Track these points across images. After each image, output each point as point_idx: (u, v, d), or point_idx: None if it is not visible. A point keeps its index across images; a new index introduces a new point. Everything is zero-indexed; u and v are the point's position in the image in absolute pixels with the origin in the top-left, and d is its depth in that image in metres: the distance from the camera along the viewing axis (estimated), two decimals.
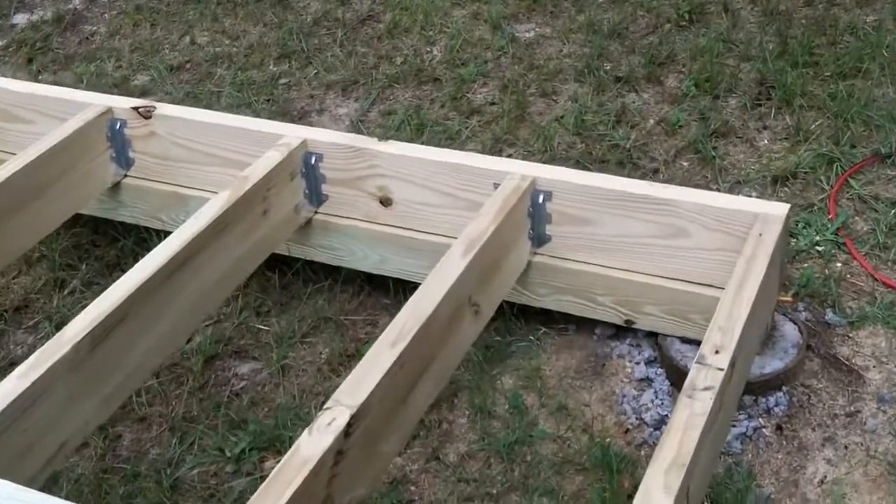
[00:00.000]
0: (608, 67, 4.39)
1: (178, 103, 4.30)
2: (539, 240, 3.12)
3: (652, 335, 3.14)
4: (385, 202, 3.29)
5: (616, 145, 3.98)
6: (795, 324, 3.10)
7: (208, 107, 4.38)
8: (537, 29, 4.74)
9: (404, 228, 3.31)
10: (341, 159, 3.28)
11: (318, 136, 3.30)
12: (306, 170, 3.32)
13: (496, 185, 3.06)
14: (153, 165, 3.58)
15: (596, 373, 3.15)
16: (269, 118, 4.03)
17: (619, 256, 3.05)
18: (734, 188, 3.73)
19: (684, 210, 2.90)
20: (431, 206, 3.22)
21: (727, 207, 2.86)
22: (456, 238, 2.92)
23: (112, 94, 3.90)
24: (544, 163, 3.63)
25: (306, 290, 3.56)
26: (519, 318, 3.32)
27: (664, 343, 3.08)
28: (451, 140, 4.14)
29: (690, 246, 2.93)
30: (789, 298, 3.16)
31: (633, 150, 3.93)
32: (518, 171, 3.06)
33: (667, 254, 2.98)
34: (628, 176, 3.59)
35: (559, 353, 3.23)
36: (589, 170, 3.79)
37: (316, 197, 3.38)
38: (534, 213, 3.06)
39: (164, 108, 3.52)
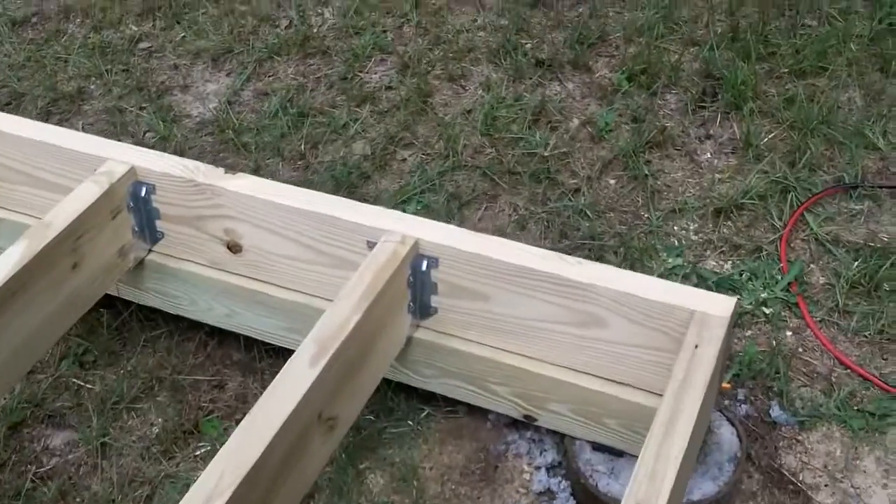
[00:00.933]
0: (528, 46, 3.70)
1: (17, 68, 3.55)
2: (422, 311, 2.46)
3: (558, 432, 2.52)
4: (233, 248, 2.61)
5: (532, 153, 3.31)
6: (733, 426, 2.50)
7: (52, 75, 3.63)
8: None
9: (257, 280, 2.63)
10: (179, 193, 2.58)
11: (150, 164, 2.59)
12: (135, 204, 2.62)
13: (370, 244, 2.41)
14: None
15: (486, 477, 2.54)
16: (122, 93, 3.32)
17: (519, 341, 2.41)
18: (669, 218, 3.09)
19: (602, 297, 2.25)
20: (289, 258, 2.55)
21: (657, 300, 2.22)
22: (319, 297, 2.41)
23: None
24: (447, 170, 2.98)
25: (141, 337, 2.88)
26: (398, 392, 2.69)
27: (571, 448, 2.46)
28: (336, 135, 3.45)
29: (608, 338, 2.30)
30: (727, 384, 2.53)
31: (552, 161, 3.26)
32: (398, 229, 2.39)
33: (578, 344, 2.35)
34: (544, 195, 2.98)
35: (444, 444, 2.61)
36: (498, 183, 3.14)
37: (150, 234, 2.68)
38: (415, 283, 2.40)
39: None
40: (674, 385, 2.07)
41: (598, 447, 2.46)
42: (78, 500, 2.60)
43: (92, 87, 3.68)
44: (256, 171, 3.33)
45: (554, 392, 2.43)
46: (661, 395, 2.15)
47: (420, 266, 2.40)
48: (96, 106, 3.61)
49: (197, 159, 3.32)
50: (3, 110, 3.62)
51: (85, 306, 2.59)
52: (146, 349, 2.88)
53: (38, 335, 2.46)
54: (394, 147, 3.37)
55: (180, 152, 3.40)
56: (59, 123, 3.56)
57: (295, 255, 2.55)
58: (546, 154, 3.29)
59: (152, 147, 3.38)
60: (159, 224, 2.68)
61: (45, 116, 3.57)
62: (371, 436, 2.64)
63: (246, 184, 2.55)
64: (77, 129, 3.43)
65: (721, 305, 2.22)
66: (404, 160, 3.34)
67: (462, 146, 3.34)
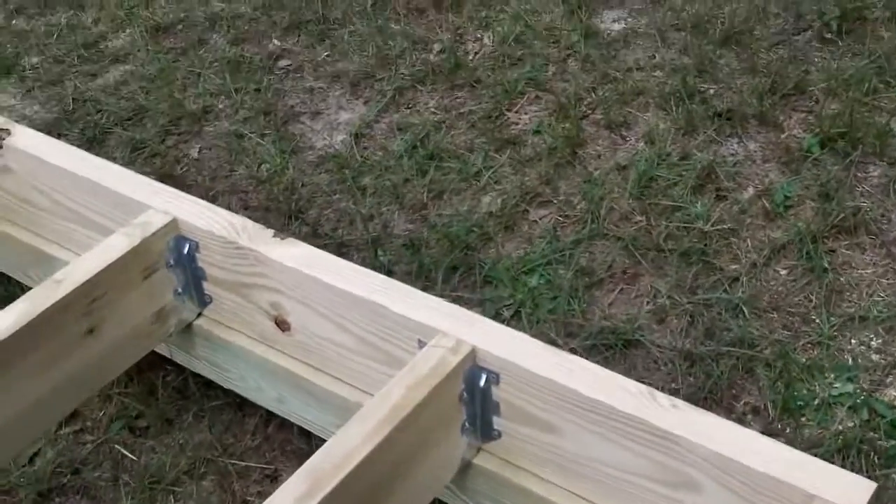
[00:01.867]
0: (709, 92, 3.10)
1: (147, 79, 3.26)
2: (483, 433, 1.96)
3: None
4: (281, 325, 2.18)
5: (689, 226, 2.73)
6: None
7: (181, 90, 3.31)
8: (629, 20, 3.46)
9: (307, 365, 2.19)
10: (222, 255, 2.17)
11: (196, 218, 2.19)
12: (178, 262, 2.23)
13: (421, 344, 1.91)
14: (13, 205, 2.55)
15: None
16: (247, 116, 2.96)
17: (596, 489, 1.89)
18: (846, 328, 2.45)
19: (695, 457, 1.69)
20: (338, 345, 2.10)
21: (763, 472, 1.64)
22: (370, 394, 1.93)
23: (79, 53, 2.86)
24: (583, 238, 2.47)
25: (201, 406, 2.50)
26: None
27: None
28: (465, 183, 2.97)
29: None
30: None
31: (712, 239, 2.68)
32: (452, 331, 1.89)
33: None
34: (694, 281, 2.40)
35: None
36: (641, 261, 2.59)
37: (197, 296, 2.28)
38: (472, 400, 1.90)
39: (20, 137, 2.45)
40: None
41: None
42: None
43: (219, 106, 3.34)
44: (369, 220, 2.90)
45: None
46: None
47: (478, 380, 1.90)
48: (219, 128, 3.27)
49: (308, 200, 2.94)
50: (123, 126, 3.34)
51: (107, 375, 2.23)
52: (202, 421, 2.50)
53: (42, 407, 2.11)
54: (527, 205, 2.87)
55: (291, 190, 3.01)
56: (176, 145, 3.24)
57: (343, 343, 2.10)
58: (706, 229, 2.71)
59: (264, 182, 3.01)
60: (206, 286, 2.28)
61: (163, 136, 3.26)
62: None
63: (293, 253, 2.11)
64: (192, 154, 3.10)
65: (854, 493, 1.62)
66: (536, 222, 2.82)
67: (606, 210, 2.80)
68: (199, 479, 2.42)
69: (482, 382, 1.90)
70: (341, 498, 1.70)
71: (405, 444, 1.81)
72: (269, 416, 2.47)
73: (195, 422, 2.52)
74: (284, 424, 2.45)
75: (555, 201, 2.90)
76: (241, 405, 2.52)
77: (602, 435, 1.81)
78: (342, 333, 2.09)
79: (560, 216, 2.86)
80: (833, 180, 2.80)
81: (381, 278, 2.06)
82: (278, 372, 2.25)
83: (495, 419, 1.96)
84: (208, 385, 2.53)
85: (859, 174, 2.84)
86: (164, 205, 2.25)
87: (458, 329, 1.93)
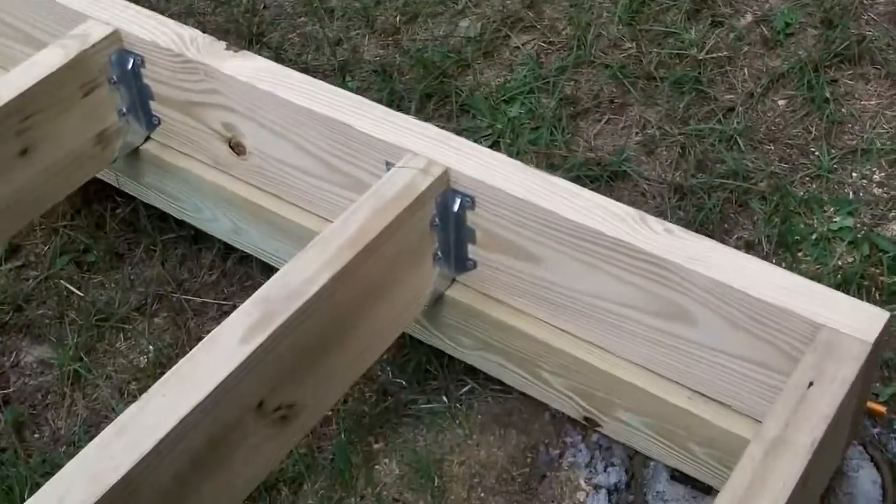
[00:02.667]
0: None
1: None
2: (457, 263, 1.78)
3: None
4: (236, 148, 1.98)
5: (682, 54, 2.52)
6: (878, 469, 1.75)
7: None
8: None
9: (265, 193, 1.99)
10: (168, 70, 1.96)
11: (141, 30, 1.97)
12: (122, 78, 2.01)
13: (389, 166, 1.72)
14: None
15: (528, 488, 1.88)
16: None
17: (579, 322, 1.72)
18: (847, 160, 2.28)
19: (692, 285, 1.52)
20: (299, 169, 1.90)
21: (766, 300, 1.47)
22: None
23: None
24: (569, 65, 2.28)
25: (153, 239, 2.31)
26: (441, 355, 2.03)
27: (642, 472, 1.77)
28: (441, 6, 2.75)
29: (697, 340, 1.59)
30: (880, 407, 1.76)
31: (707, 67, 2.48)
32: (423, 151, 1.69)
33: (657, 340, 1.64)
34: (687, 111, 2.20)
35: (484, 432, 1.96)
36: (630, 90, 2.40)
37: (144, 117, 2.07)
38: (445, 226, 1.72)
39: None
40: (770, 430, 1.34)
41: (679, 476, 1.75)
42: (36, 435, 2.08)
43: None
44: (336, 45, 2.68)
45: (622, 396, 1.73)
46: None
47: (451, 205, 1.71)
48: None
49: (270, 23, 2.72)
50: None
51: (45, 202, 2.03)
52: (153, 255, 2.31)
53: None
54: (508, 30, 2.64)
55: (252, 12, 2.78)
56: None
57: (303, 166, 1.91)
58: (700, 57, 2.51)
59: (223, 3, 2.77)
60: (154, 107, 2.06)
61: None
62: (395, 407, 2.01)
63: (245, 66, 1.90)
64: None
65: (865, 322, 1.46)
66: (518, 48, 2.61)
67: (594, 36, 2.58)
68: (150, 315, 2.25)
69: (456, 207, 1.72)
70: (297, 331, 1.52)
71: (370, 274, 1.63)
72: (228, 249, 2.29)
73: (146, 256, 2.34)
74: (244, 259, 2.27)
75: (538, 26, 2.68)
76: (197, 238, 2.33)
77: (587, 263, 1.64)
78: (302, 155, 1.89)
79: (544, 42, 2.65)
80: (837, 6, 2.59)
81: (345, 94, 1.85)
82: (234, 200, 2.06)
83: (470, 248, 1.78)
84: (161, 217, 2.34)
85: (865, 1, 2.61)
86: (104, 15, 2.02)
87: (431, 149, 1.74)
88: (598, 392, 1.77)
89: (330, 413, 2.04)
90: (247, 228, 2.08)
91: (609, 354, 1.74)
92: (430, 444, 1.97)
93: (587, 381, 1.77)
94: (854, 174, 2.28)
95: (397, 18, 2.73)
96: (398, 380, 2.08)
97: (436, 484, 1.91)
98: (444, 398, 2.04)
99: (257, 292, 1.54)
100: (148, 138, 2.15)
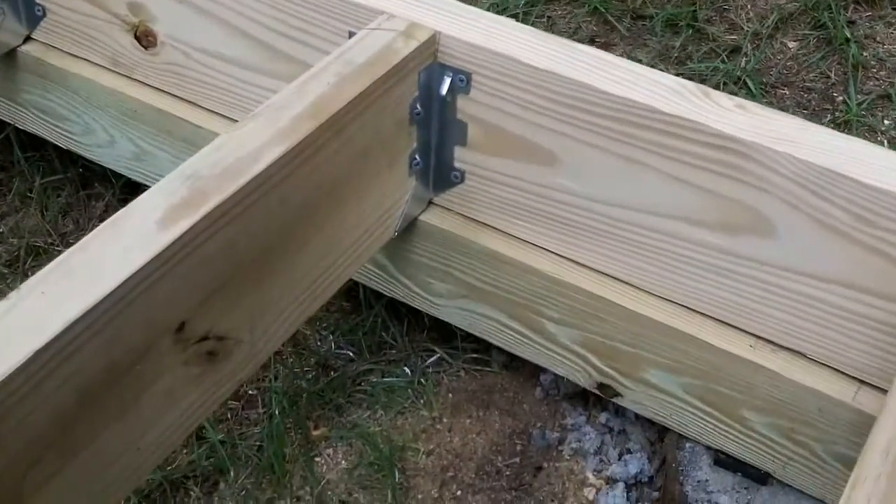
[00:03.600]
0: None
1: None
2: (438, 175, 1.33)
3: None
4: (144, 38, 1.50)
5: None
6: None
7: None
8: None
9: (179, 99, 1.52)
10: None
11: None
12: None
13: (352, 35, 1.27)
14: None
15: (518, 484, 1.43)
16: None
17: (604, 248, 1.27)
18: (875, 106, 1.90)
19: (772, 173, 1.09)
20: (229, 61, 1.43)
21: (884, 189, 1.05)
22: None
23: None
24: (536, 4, 1.87)
25: (30, 183, 1.83)
26: (397, 317, 1.59)
27: (675, 456, 1.32)
28: None
29: (770, 259, 1.16)
30: None
31: (703, 4, 2.07)
32: (402, 12, 1.25)
33: (715, 265, 1.22)
34: (684, 50, 1.82)
35: (458, 415, 1.52)
36: (615, 27, 1.98)
37: (24, 6, 1.59)
38: (427, 116, 1.26)
39: None
40: None
41: (725, 460, 1.31)
42: None
43: None
44: None
45: (655, 348, 1.29)
46: (866, 385, 1.04)
47: (438, 84, 1.26)
48: None
49: None
50: None
51: None
52: (29, 203, 1.81)
53: None
54: None
55: None
56: None
57: (236, 56, 1.44)
58: None
59: None
60: None
61: None
62: (341, 383, 1.54)
63: None
64: None
65: None
66: None
67: None
68: (24, 272, 1.75)
69: (444, 89, 1.28)
70: (234, 224, 1.06)
71: (331, 162, 1.18)
72: (127, 191, 1.81)
73: (22, 204, 1.85)
74: None
75: None
76: (87, 182, 1.86)
77: (628, 158, 1.21)
78: (234, 38, 1.44)
79: None
80: None
81: None
82: (138, 111, 1.59)
83: (457, 152, 1.34)
84: (39, 150, 1.85)
85: None
86: None
87: (413, 11, 1.29)
88: (621, 344, 1.33)
89: (255, 391, 1.58)
90: (154, 151, 1.61)
91: (640, 291, 1.31)
92: (387, 430, 1.52)
93: (607, 330, 1.33)
94: (886, 121, 1.90)
95: None
96: (344, 350, 1.61)
97: (397, 480, 1.45)
98: (406, 370, 1.57)
99: (181, 166, 1.07)
100: (28, 38, 1.66)
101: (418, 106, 1.30)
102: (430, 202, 1.42)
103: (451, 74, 1.28)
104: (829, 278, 1.17)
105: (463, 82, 1.28)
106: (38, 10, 1.63)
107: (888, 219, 1.10)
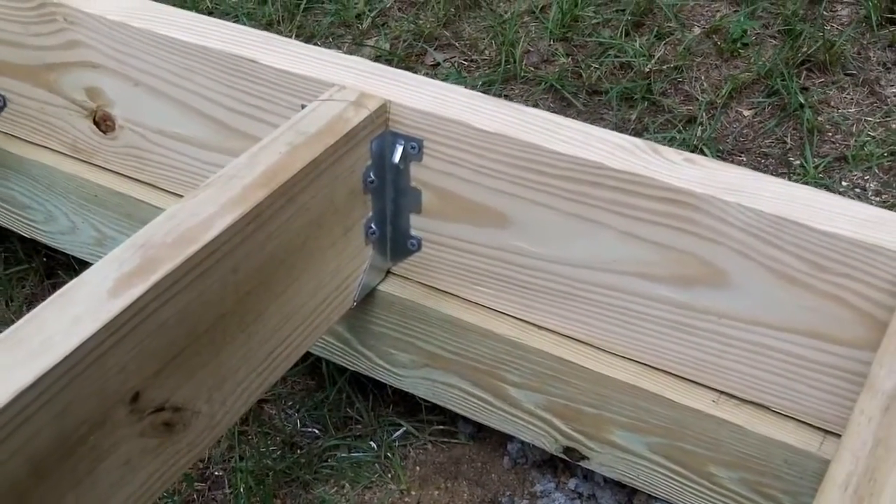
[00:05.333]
0: None
1: None
2: (396, 246, 1.34)
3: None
4: (102, 122, 1.51)
5: (627, 65, 2.16)
6: None
7: None
8: None
9: (138, 182, 1.53)
10: (19, 23, 1.50)
11: None
12: None
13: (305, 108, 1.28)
14: None
15: None
16: None
17: (563, 309, 1.27)
18: (833, 168, 1.92)
19: (724, 225, 1.10)
20: (186, 140, 1.45)
21: (836, 234, 1.05)
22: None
23: None
24: (496, 80, 1.93)
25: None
26: (361, 391, 1.58)
27: None
28: (344, 29, 2.34)
29: (726, 311, 1.17)
30: None
31: (657, 79, 2.11)
32: (352, 83, 1.26)
33: (667, 320, 1.20)
34: (640, 122, 1.85)
35: (425, 488, 1.50)
36: (572, 103, 2.01)
37: None
38: (381, 184, 1.27)
39: None
40: (884, 380, 0.91)
41: None
42: None
43: None
44: None
45: (619, 408, 1.28)
46: (831, 435, 1.04)
47: (390, 153, 1.27)
48: None
49: None
50: None
51: None
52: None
53: None
54: (423, 43, 2.26)
55: None
56: None
57: (191, 136, 1.45)
58: (648, 69, 2.15)
59: None
60: (1, 83, 1.61)
61: None
62: (307, 460, 1.52)
63: (115, 5, 1.45)
64: None
65: None
66: (436, 65, 2.22)
67: (523, 52, 2.21)
68: None
69: (397, 157, 1.29)
70: (187, 293, 1.06)
71: (285, 230, 1.18)
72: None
73: None
74: None
75: (457, 44, 2.32)
76: (50, 271, 1.86)
77: (580, 217, 1.22)
78: (189, 118, 1.45)
79: (465, 60, 2.28)
80: (795, 18, 2.28)
81: (247, 29, 1.42)
82: (99, 196, 1.60)
83: (413, 220, 1.34)
84: (2, 241, 1.85)
85: (825, 13, 2.32)
86: None
87: (365, 82, 1.31)
88: (585, 406, 1.33)
89: (221, 472, 1.56)
90: (115, 236, 1.61)
91: (601, 352, 1.30)
92: None
93: (571, 393, 1.33)
94: (844, 182, 1.93)
95: (292, 37, 2.33)
96: (309, 427, 1.60)
97: None
98: (373, 445, 1.56)
99: (133, 236, 1.07)
100: None
101: (371, 174, 1.31)
102: (389, 272, 1.42)
103: (402, 142, 1.29)
104: (787, 327, 1.17)
105: (415, 149, 1.29)
106: (0, 101, 1.64)
107: (840, 263, 1.10)
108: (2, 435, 0.91)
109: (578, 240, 1.24)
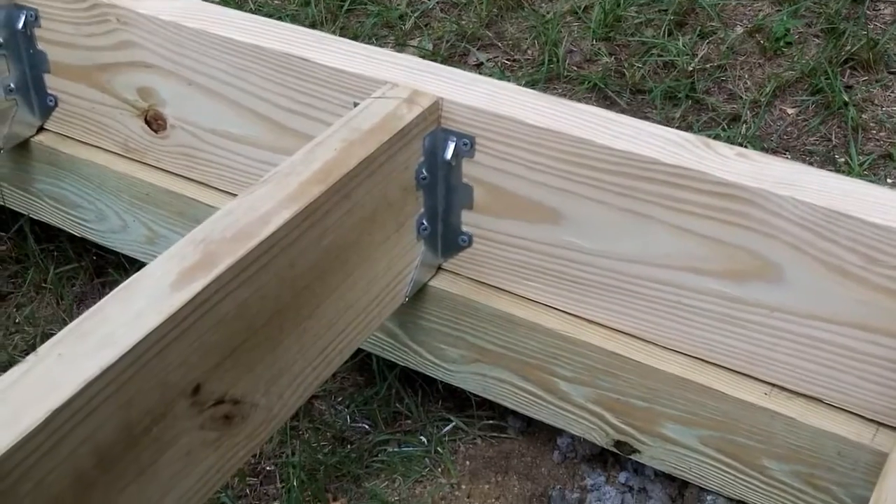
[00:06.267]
0: None
1: None
2: (447, 242, 1.35)
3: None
4: (154, 122, 1.53)
5: (671, 64, 2.16)
6: None
7: None
8: None
9: (190, 181, 1.55)
10: (71, 23, 1.53)
11: None
12: (11, 39, 1.59)
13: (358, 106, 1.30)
14: None
15: None
16: None
17: (614, 304, 1.27)
18: (878, 166, 1.92)
19: (777, 219, 1.10)
20: (237, 140, 1.47)
21: (891, 227, 1.05)
22: None
23: None
24: (540, 79, 1.91)
25: (44, 273, 1.85)
26: (411, 386, 1.60)
27: None
28: (387, 30, 2.36)
29: (779, 304, 1.17)
30: None
31: (700, 78, 2.11)
32: (404, 80, 1.28)
33: (719, 314, 1.20)
34: (684, 119, 1.85)
35: (476, 482, 1.51)
36: (616, 101, 2.02)
37: (37, 98, 1.63)
38: (433, 181, 1.28)
39: None
40: None
41: None
42: None
43: None
44: None
45: (671, 402, 1.29)
46: (884, 427, 1.04)
47: (442, 150, 1.29)
48: None
49: None
50: None
51: None
52: (44, 293, 1.83)
53: None
54: (466, 43, 2.27)
55: None
56: None
57: (244, 135, 1.47)
58: (691, 68, 2.15)
59: None
60: (49, 82, 1.63)
61: None
62: (358, 455, 1.54)
63: (168, 5, 1.47)
64: None
65: None
66: (480, 65, 2.24)
67: (566, 52, 2.22)
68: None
69: (449, 154, 1.30)
70: (246, 286, 1.08)
71: (340, 225, 1.20)
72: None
73: (37, 294, 1.87)
74: None
75: (500, 45, 2.33)
76: (100, 269, 1.88)
77: (632, 211, 1.23)
78: (242, 117, 1.47)
79: (508, 60, 2.29)
80: (838, 17, 2.27)
81: (299, 28, 1.44)
82: (150, 195, 1.62)
83: (465, 216, 1.35)
84: (53, 241, 1.88)
85: (869, 12, 2.32)
86: None
87: (416, 79, 1.32)
88: (635, 400, 1.33)
89: (273, 467, 1.58)
90: (167, 234, 1.63)
91: (651, 346, 1.31)
92: (405, 498, 1.51)
93: (621, 387, 1.33)
94: (889, 179, 1.93)
95: None
96: (359, 423, 1.62)
97: None
98: (423, 440, 1.57)
99: (193, 231, 1.09)
100: (41, 129, 1.70)
101: (424, 171, 1.32)
102: (440, 267, 1.43)
103: (454, 139, 1.31)
104: (840, 320, 1.18)
105: (467, 146, 1.30)
106: (51, 101, 1.67)
107: (894, 256, 1.11)
108: (69, 426, 0.92)
109: (630, 235, 1.25)
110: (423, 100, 1.29)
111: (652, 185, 1.21)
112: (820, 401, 1.25)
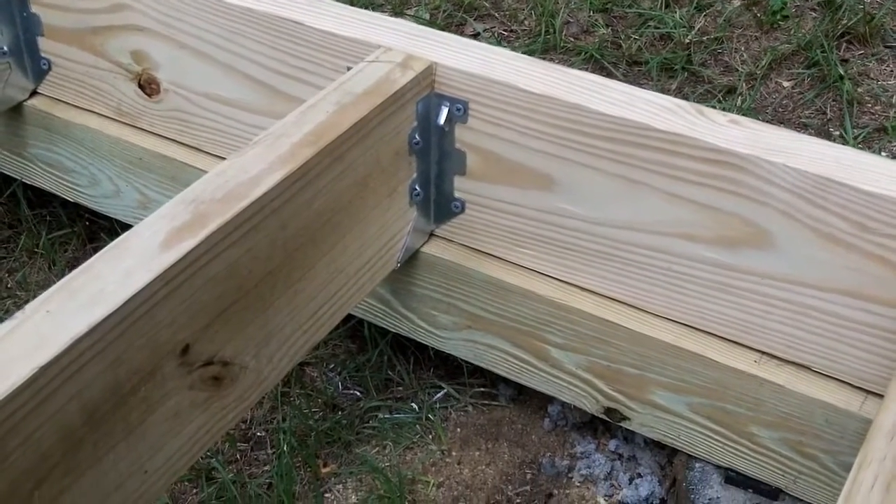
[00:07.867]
0: None
1: None
2: (438, 206, 1.34)
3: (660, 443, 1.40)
4: (147, 86, 1.53)
5: (667, 36, 2.15)
6: None
7: None
8: None
9: (183, 146, 1.55)
10: None
11: None
12: (2, 2, 1.57)
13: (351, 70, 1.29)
14: None
15: None
16: None
17: (606, 270, 1.28)
18: (873, 139, 1.91)
19: (769, 185, 1.10)
20: (231, 104, 1.46)
21: (881, 195, 1.05)
22: None
23: None
24: (536, 50, 1.92)
25: (36, 238, 1.84)
26: (402, 354, 1.59)
27: (686, 476, 1.32)
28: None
29: (770, 271, 1.17)
30: None
31: (697, 50, 2.11)
32: (398, 44, 1.27)
33: (710, 281, 1.21)
34: (681, 91, 1.85)
35: (467, 448, 1.51)
36: (612, 73, 2.02)
37: (30, 62, 1.62)
38: (426, 146, 1.28)
39: None
40: None
41: (736, 478, 1.31)
42: None
43: None
44: None
45: (661, 369, 1.29)
46: (872, 395, 1.05)
47: (436, 115, 1.28)
48: None
49: None
50: None
51: None
52: (39, 257, 1.83)
53: None
54: (463, 13, 2.26)
55: None
56: None
57: (237, 99, 1.47)
58: (687, 40, 2.14)
59: None
60: (43, 45, 1.62)
61: None
62: (349, 421, 1.54)
63: None
64: None
65: None
66: (476, 35, 2.23)
67: (563, 23, 2.21)
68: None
69: (442, 118, 1.30)
70: (237, 247, 1.07)
71: (332, 189, 1.20)
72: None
73: (29, 259, 1.87)
74: None
75: (497, 15, 2.32)
76: (93, 235, 1.88)
77: (625, 178, 1.23)
78: (235, 81, 1.46)
79: (504, 30, 2.28)
80: None
81: None
82: (143, 160, 1.61)
83: (457, 182, 1.35)
84: (45, 206, 1.87)
85: None
86: None
87: (410, 43, 1.32)
88: (626, 367, 1.34)
89: (263, 433, 1.58)
90: (159, 199, 1.63)
91: (643, 313, 1.31)
92: (396, 464, 1.51)
93: (612, 354, 1.34)
94: (883, 153, 1.93)
95: None
96: (351, 390, 1.62)
97: None
98: (414, 407, 1.58)
99: (183, 192, 1.09)
100: (34, 93, 1.70)
101: (417, 136, 1.32)
102: (432, 234, 1.43)
103: (448, 104, 1.30)
104: (830, 287, 1.18)
105: (460, 111, 1.30)
106: (44, 64, 1.66)
107: (886, 224, 1.11)
108: (57, 382, 0.92)
109: (622, 201, 1.25)
110: (416, 64, 1.29)
111: (645, 151, 1.20)
112: (809, 368, 1.25)
